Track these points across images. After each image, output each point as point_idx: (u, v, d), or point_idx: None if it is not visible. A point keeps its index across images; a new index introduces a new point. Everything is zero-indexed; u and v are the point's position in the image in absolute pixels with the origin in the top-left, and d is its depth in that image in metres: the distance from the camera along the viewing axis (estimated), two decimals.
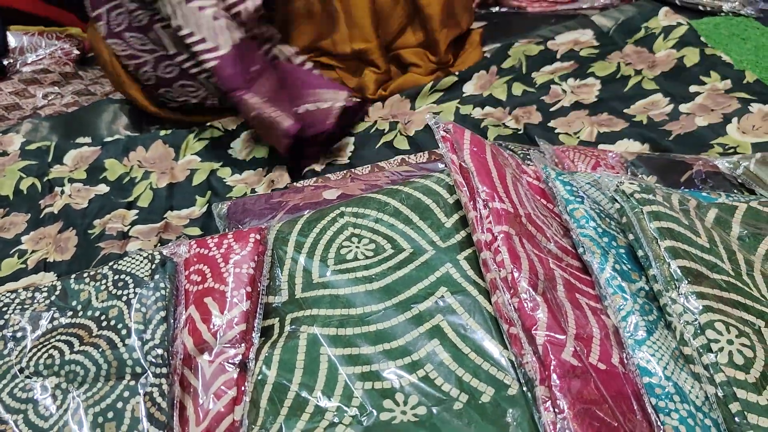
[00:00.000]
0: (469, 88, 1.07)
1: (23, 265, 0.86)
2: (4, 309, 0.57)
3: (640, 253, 0.53)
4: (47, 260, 0.86)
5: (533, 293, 0.48)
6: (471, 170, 0.56)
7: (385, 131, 0.99)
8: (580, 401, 0.43)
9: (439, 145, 0.60)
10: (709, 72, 0.98)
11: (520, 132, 0.96)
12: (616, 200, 0.56)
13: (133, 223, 0.90)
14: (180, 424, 0.50)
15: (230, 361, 0.52)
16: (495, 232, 0.52)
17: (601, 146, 0.91)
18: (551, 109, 0.99)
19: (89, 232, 0.89)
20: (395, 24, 1.04)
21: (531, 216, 0.56)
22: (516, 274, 0.49)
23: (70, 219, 0.92)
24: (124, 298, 0.55)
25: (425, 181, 0.63)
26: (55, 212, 0.93)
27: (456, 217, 0.60)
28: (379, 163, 0.93)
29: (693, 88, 0.96)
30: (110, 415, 0.49)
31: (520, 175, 0.62)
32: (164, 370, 0.51)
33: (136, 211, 0.92)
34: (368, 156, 0.96)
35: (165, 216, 0.90)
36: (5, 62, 1.34)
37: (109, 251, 0.85)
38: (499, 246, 0.51)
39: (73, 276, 0.59)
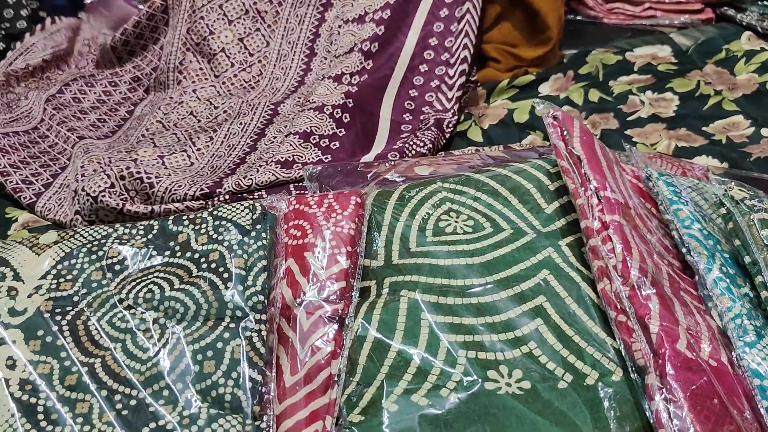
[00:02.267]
0: (545, 89, 1.07)
1: None
2: (103, 241, 0.57)
3: (747, 259, 0.53)
4: None
5: (646, 282, 0.48)
6: (582, 158, 0.56)
7: (460, 120, 0.99)
8: (694, 392, 0.43)
9: (547, 131, 0.60)
10: None
11: (596, 137, 0.95)
12: (723, 205, 0.56)
13: None
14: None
15: (329, 315, 0.52)
16: (606, 221, 0.52)
17: None
18: (628, 119, 0.99)
19: None
20: (489, 18, 1.04)
21: (637, 209, 0.56)
22: (629, 263, 0.49)
23: None
24: (225, 244, 0.55)
25: (524, 166, 0.63)
26: None
27: (556, 204, 0.60)
28: (452, 152, 0.93)
29: None
30: (210, 353, 0.49)
31: (621, 170, 0.62)
32: (264, 317, 0.51)
33: None
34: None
35: None
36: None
37: None
38: (610, 234, 0.51)
39: (171, 218, 0.59)
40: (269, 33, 1.04)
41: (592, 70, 1.10)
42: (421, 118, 0.93)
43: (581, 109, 1.02)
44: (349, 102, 0.92)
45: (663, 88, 1.05)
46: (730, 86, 1.03)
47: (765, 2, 1.22)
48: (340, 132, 0.90)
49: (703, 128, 0.96)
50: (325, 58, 1.01)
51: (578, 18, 1.32)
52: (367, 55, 0.97)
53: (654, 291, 0.48)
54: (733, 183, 0.57)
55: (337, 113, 0.91)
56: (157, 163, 0.83)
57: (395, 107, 0.96)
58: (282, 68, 1.03)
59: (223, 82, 1.02)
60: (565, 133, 0.59)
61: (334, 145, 0.88)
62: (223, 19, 1.02)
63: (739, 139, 0.93)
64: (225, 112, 0.96)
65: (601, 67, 1.10)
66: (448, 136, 0.92)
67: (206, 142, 0.90)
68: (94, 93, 1.01)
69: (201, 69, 1.03)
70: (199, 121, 0.95)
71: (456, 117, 0.94)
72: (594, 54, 1.13)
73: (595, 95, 1.05)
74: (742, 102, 0.99)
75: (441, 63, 0.97)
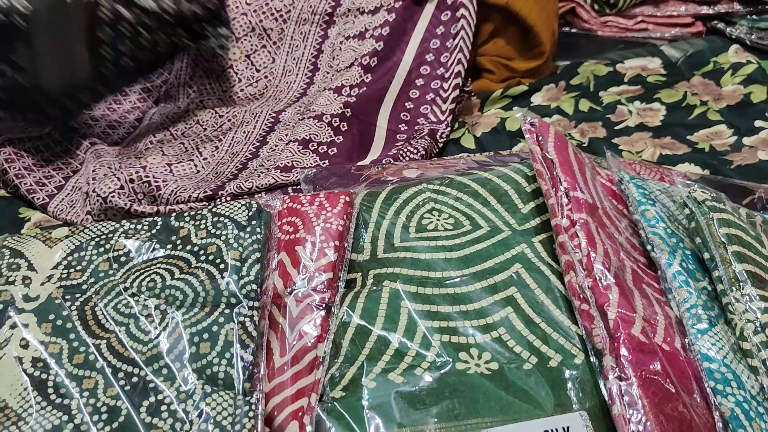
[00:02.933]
0: (537, 99, 1.11)
1: None
2: (110, 235, 0.62)
3: (706, 255, 0.57)
4: None
5: (607, 274, 0.52)
6: (554, 161, 0.60)
7: (454, 128, 1.04)
8: (645, 372, 0.47)
9: (525, 136, 0.64)
10: None
11: (584, 144, 1.00)
12: (686, 206, 0.60)
13: None
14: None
15: (317, 303, 0.56)
16: (574, 219, 0.56)
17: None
18: (616, 128, 1.03)
19: None
20: (484, 34, 1.09)
21: (606, 210, 0.60)
22: (592, 257, 0.53)
23: None
24: (223, 238, 0.59)
25: (504, 169, 0.67)
26: None
27: (532, 204, 0.64)
28: (445, 158, 0.98)
29: (758, 123, 0.99)
30: (206, 336, 0.53)
31: (594, 174, 0.66)
32: (256, 304, 0.55)
33: None
34: None
35: None
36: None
37: None
38: (577, 231, 0.55)
39: (173, 215, 0.64)
40: (275, 50, 1.09)
41: (584, 81, 1.14)
42: (416, 128, 0.98)
43: (571, 119, 1.06)
44: (348, 112, 0.97)
45: (651, 98, 1.09)
46: (715, 97, 1.07)
47: (754, 17, 1.26)
48: (338, 139, 0.94)
49: (688, 137, 1.00)
50: (327, 72, 1.06)
51: (573, 31, 1.36)
52: (367, 69, 1.02)
53: (614, 282, 0.52)
54: (696, 185, 0.61)
55: (335, 122, 0.95)
56: (165, 170, 0.88)
57: (392, 118, 1.01)
58: (287, 83, 1.08)
59: (230, 97, 1.07)
60: (540, 138, 0.63)
61: (332, 151, 0.93)
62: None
63: (722, 147, 0.97)
64: (229, 120, 1.01)
65: (593, 78, 1.14)
66: (441, 145, 0.97)
67: (212, 151, 0.95)
68: (105, 101, 1.07)
69: (210, 84, 1.09)
70: (204, 129, 1.00)
71: (449, 128, 0.98)
72: (586, 65, 1.17)
73: (585, 105, 1.09)
74: (725, 112, 1.03)
75: (436, 77, 1.02)
